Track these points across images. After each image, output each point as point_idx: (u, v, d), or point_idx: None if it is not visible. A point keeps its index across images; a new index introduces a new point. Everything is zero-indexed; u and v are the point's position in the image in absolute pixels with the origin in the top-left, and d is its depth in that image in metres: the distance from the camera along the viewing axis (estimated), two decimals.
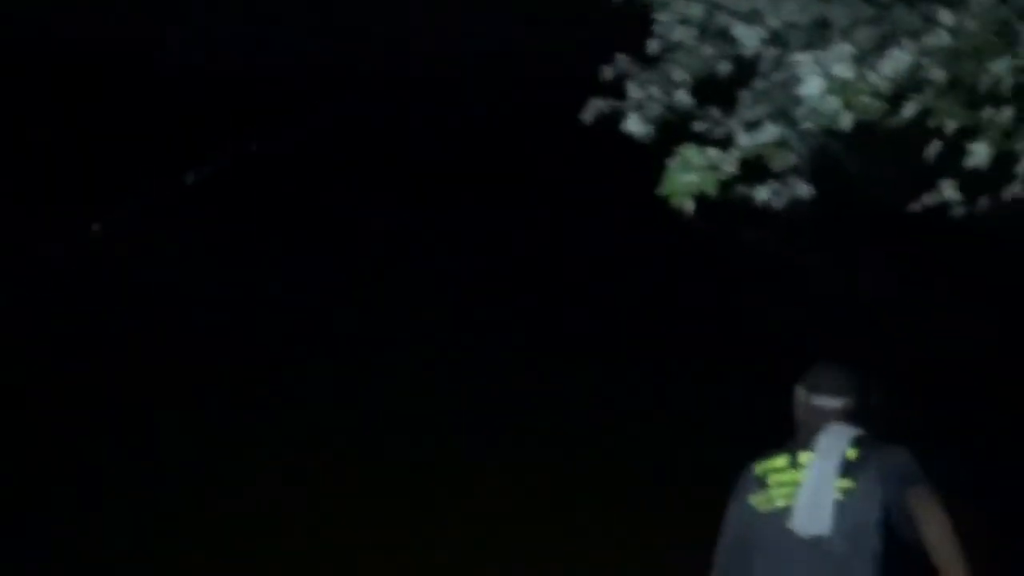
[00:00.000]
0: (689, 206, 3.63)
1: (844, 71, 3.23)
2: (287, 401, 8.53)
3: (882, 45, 3.42)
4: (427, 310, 9.93)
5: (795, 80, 3.40)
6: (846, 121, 3.31)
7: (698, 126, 3.76)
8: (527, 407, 8.91)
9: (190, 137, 10.92)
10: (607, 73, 4.00)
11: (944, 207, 3.57)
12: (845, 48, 3.25)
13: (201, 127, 10.93)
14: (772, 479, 3.98)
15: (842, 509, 3.83)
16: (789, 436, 4.11)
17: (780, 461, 4.00)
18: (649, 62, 3.98)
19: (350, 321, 9.90)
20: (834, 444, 3.92)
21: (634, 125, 3.68)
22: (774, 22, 3.74)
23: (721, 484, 4.27)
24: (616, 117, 3.86)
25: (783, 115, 3.54)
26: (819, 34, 3.62)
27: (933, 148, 3.40)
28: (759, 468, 4.04)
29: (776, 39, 3.76)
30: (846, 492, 3.85)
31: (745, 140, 3.39)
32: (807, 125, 3.38)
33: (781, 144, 3.48)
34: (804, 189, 3.78)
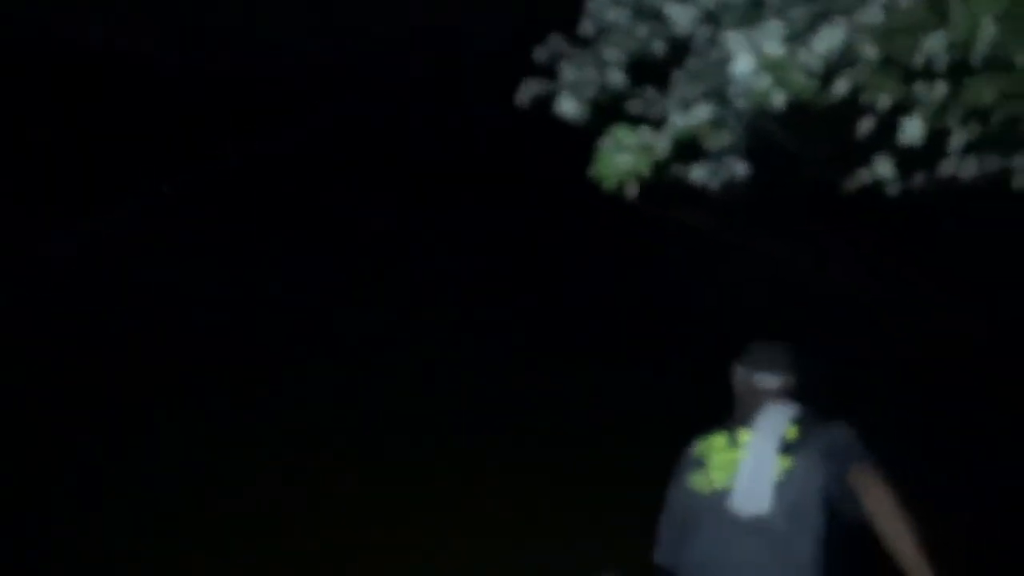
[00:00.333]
0: (632, 190, 3.60)
1: (775, 49, 3.21)
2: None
3: (815, 23, 3.40)
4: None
5: (728, 59, 3.38)
6: (778, 99, 3.28)
7: (633, 107, 3.72)
8: (489, 403, 8.93)
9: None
10: (541, 55, 3.96)
11: (879, 185, 3.55)
12: (776, 26, 3.22)
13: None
14: (711, 459, 3.98)
15: (782, 488, 3.83)
16: (728, 415, 4.11)
17: (719, 440, 4.00)
18: (583, 44, 3.95)
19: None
20: (773, 422, 3.92)
21: (567, 106, 3.63)
22: (708, 1, 3.71)
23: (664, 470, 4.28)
24: (551, 99, 3.82)
25: (717, 94, 3.51)
26: (752, 13, 3.60)
27: (866, 124, 3.39)
28: (698, 448, 4.04)
29: (710, 18, 3.73)
30: (786, 471, 3.84)
31: (679, 120, 3.36)
32: (740, 104, 3.35)
33: (716, 123, 3.45)
34: (740, 169, 3.75)
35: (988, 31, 3.20)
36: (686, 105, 3.55)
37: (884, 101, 3.33)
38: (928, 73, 3.36)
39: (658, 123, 3.50)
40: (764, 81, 3.22)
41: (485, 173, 11.15)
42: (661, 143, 3.28)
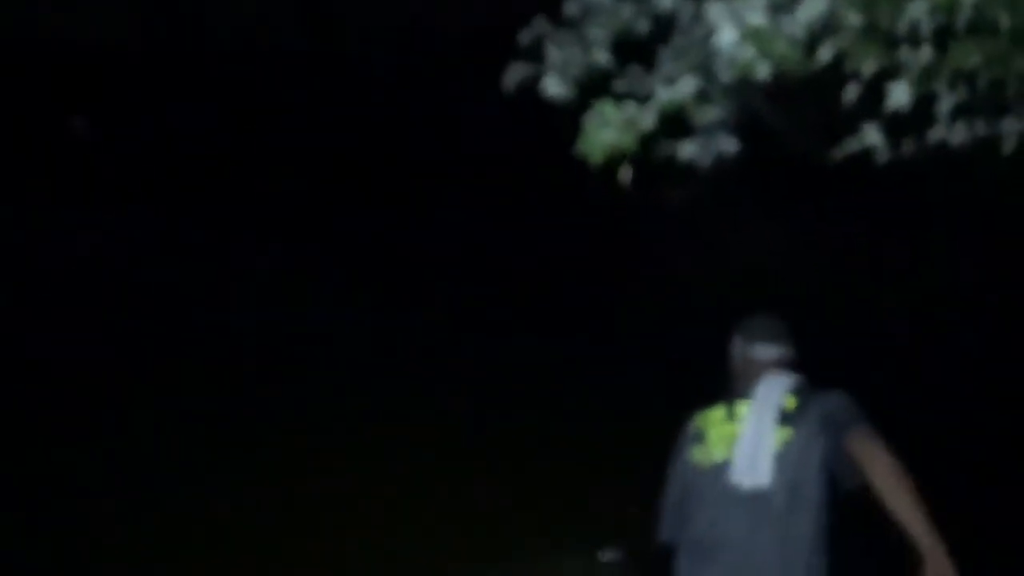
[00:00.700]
0: (626, 174, 3.59)
1: (758, 19, 3.19)
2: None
3: None
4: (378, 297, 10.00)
5: (712, 33, 3.37)
6: (763, 70, 3.27)
7: (619, 86, 3.71)
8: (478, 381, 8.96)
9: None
10: (525, 38, 3.94)
11: (869, 153, 3.54)
12: None
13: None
14: (711, 432, 3.95)
15: (782, 460, 3.80)
16: (726, 388, 4.08)
17: (718, 414, 3.97)
18: (568, 25, 3.93)
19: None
20: (771, 394, 3.88)
21: (553, 87, 3.62)
22: None
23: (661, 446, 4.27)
24: (537, 82, 3.81)
25: (702, 68, 3.50)
26: None
27: (851, 91, 3.37)
28: (698, 421, 4.01)
29: None
30: (785, 442, 3.81)
31: (663, 94, 3.34)
32: (725, 76, 3.33)
33: (701, 97, 3.44)
34: (729, 144, 3.74)
35: None
36: (671, 81, 3.54)
37: (869, 67, 3.32)
38: (913, 38, 3.34)
39: (644, 99, 3.49)
40: (748, 52, 3.21)
41: (468, 165, 11.24)
42: (646, 118, 3.26)
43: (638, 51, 3.86)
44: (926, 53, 3.34)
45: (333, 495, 7.22)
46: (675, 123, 3.56)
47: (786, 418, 3.83)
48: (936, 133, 3.57)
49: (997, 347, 9.22)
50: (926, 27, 3.37)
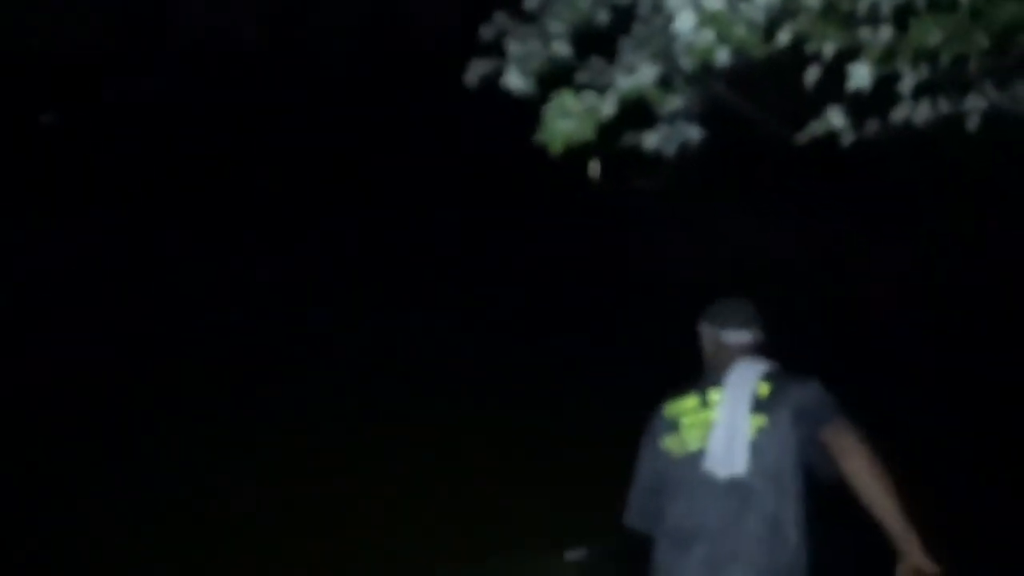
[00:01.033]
0: (594, 169, 3.57)
1: (716, 4, 3.17)
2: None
3: None
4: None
5: (672, 21, 3.34)
6: (723, 55, 3.25)
7: (581, 77, 3.68)
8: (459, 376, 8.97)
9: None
10: (487, 33, 3.91)
11: (833, 135, 3.52)
12: None
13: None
14: (684, 420, 3.91)
15: (757, 448, 3.77)
16: (697, 375, 4.05)
17: (690, 401, 3.93)
18: (528, 19, 3.90)
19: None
20: (744, 380, 3.85)
21: (514, 80, 3.59)
22: None
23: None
24: (499, 76, 3.78)
25: (663, 56, 3.48)
26: None
27: (812, 74, 3.35)
28: (669, 409, 3.97)
29: None
30: (760, 430, 3.78)
31: (623, 82, 3.31)
32: (685, 63, 3.31)
33: (663, 85, 3.42)
34: (694, 132, 3.72)
35: None
36: (632, 71, 3.51)
37: (829, 49, 3.30)
38: (873, 18, 3.32)
39: (605, 90, 3.47)
40: (707, 37, 3.19)
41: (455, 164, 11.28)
42: (606, 106, 3.23)
43: (599, 43, 3.84)
44: (886, 32, 3.32)
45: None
46: (638, 113, 3.54)
47: (760, 405, 3.80)
48: (899, 113, 3.56)
49: (971, 330, 9.27)
50: (886, 6, 3.35)
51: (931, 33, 3.31)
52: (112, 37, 11.05)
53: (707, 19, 3.13)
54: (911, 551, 3.49)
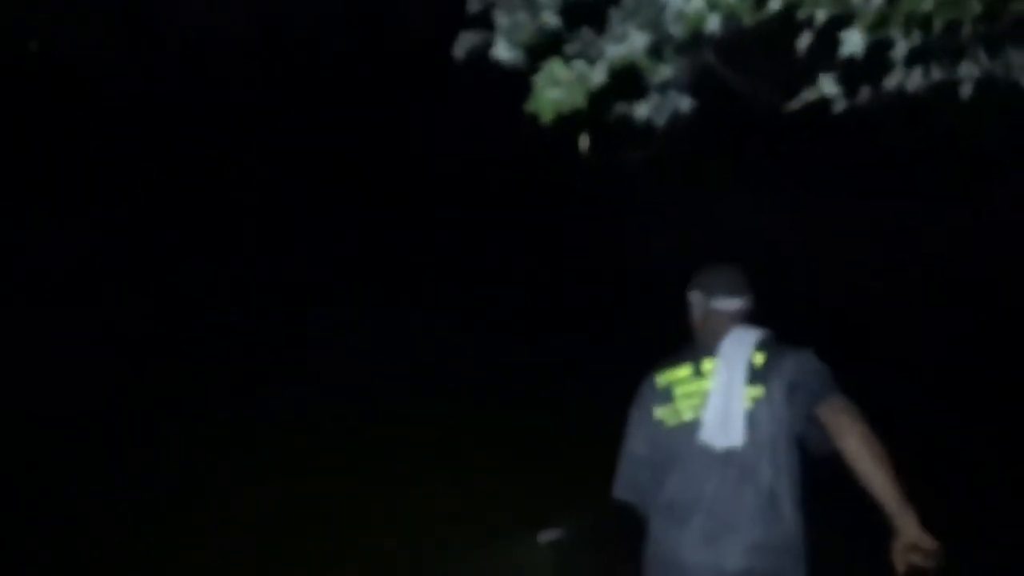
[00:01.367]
0: (584, 142, 3.53)
1: None
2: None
3: None
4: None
5: None
6: (713, 23, 3.21)
7: (570, 49, 3.65)
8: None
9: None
10: (474, 5, 3.87)
11: (825, 102, 3.48)
12: None
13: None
14: (677, 390, 3.87)
15: (753, 419, 3.74)
16: (686, 343, 4.01)
17: (683, 371, 3.89)
18: None
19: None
20: (739, 350, 3.81)
21: (503, 51, 3.54)
22: None
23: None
24: (487, 49, 3.74)
25: (653, 26, 3.44)
26: None
27: (804, 40, 3.31)
28: (661, 379, 3.92)
29: None
30: (755, 400, 3.75)
31: (614, 51, 3.28)
32: (676, 31, 3.27)
33: (653, 54, 3.38)
34: (685, 102, 3.68)
35: None
36: (622, 40, 3.48)
37: (821, 15, 3.26)
38: None
39: (595, 60, 3.43)
40: (697, 3, 3.15)
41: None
42: (596, 74, 3.20)
43: (588, 14, 3.81)
44: None
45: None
46: (628, 83, 3.51)
47: (755, 375, 3.77)
48: (892, 80, 3.54)
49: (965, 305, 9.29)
50: None
51: None
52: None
53: None
54: (908, 527, 3.46)
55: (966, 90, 3.60)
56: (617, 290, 10.06)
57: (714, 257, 4.16)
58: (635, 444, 3.96)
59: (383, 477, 7.47)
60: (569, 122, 3.46)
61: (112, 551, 6.39)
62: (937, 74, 3.55)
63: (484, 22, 3.88)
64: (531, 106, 3.08)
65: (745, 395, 3.74)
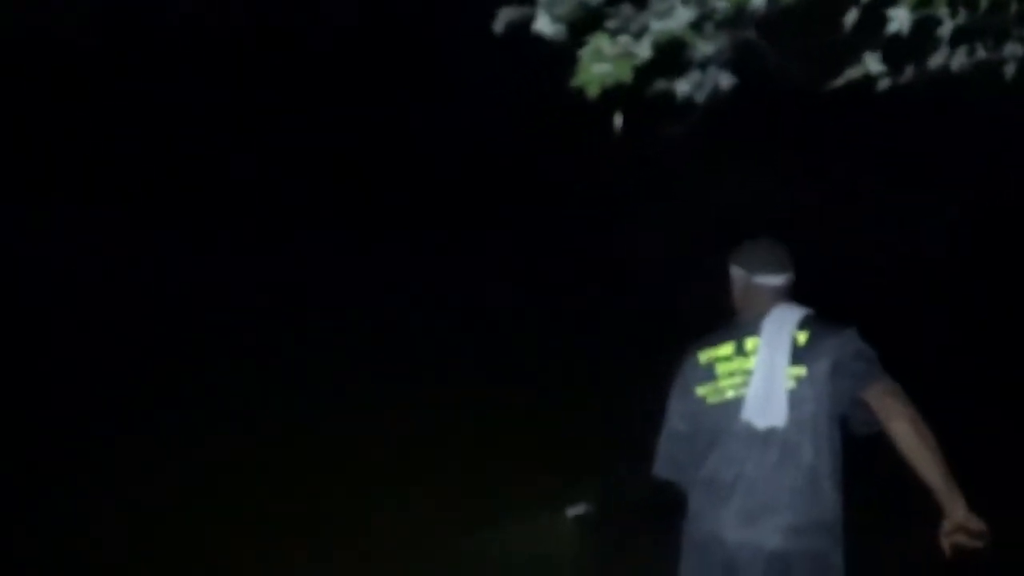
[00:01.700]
0: (618, 120, 3.52)
1: None
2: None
3: None
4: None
5: None
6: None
7: (611, 24, 3.63)
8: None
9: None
10: None
11: (869, 79, 3.46)
12: None
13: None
14: (719, 368, 3.86)
15: (796, 398, 3.73)
16: (728, 320, 4.00)
17: (725, 348, 3.87)
18: None
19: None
20: (782, 328, 3.79)
21: (544, 25, 3.52)
22: None
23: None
24: (527, 25, 3.73)
25: (697, 1, 3.42)
26: None
27: (850, 17, 3.29)
28: (703, 356, 3.91)
29: None
30: (798, 379, 3.74)
31: (658, 25, 3.26)
32: (720, 5, 3.26)
33: (696, 28, 3.36)
34: (725, 79, 3.66)
35: None
36: (664, 15, 3.46)
37: None
38: None
39: (638, 34, 3.42)
40: None
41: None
42: (642, 48, 3.18)
43: None
44: None
45: (355, 477, 7.26)
46: (670, 57, 3.49)
47: (798, 354, 3.76)
48: (937, 59, 3.51)
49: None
50: None
51: None
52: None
53: None
54: (957, 509, 3.50)
55: (1010, 70, 3.58)
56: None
57: (733, 239, 4.15)
58: (675, 421, 3.96)
59: (404, 455, 7.53)
60: (608, 98, 3.45)
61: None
62: (981, 53, 3.53)
63: None
64: (577, 81, 3.07)
65: (788, 374, 3.74)
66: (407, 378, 8.71)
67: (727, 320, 4.01)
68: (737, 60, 3.73)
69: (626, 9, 3.70)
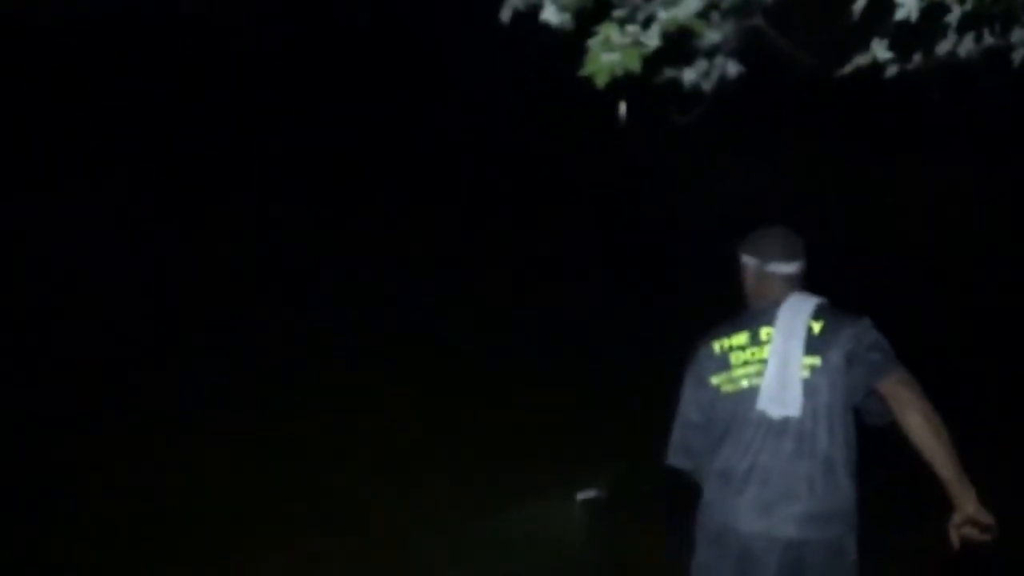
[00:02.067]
0: (622, 109, 3.52)
1: None
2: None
3: None
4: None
5: None
6: None
7: (618, 14, 3.62)
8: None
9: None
10: None
11: (877, 67, 3.46)
12: None
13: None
14: (733, 358, 3.85)
15: (810, 387, 3.73)
16: (741, 309, 4.00)
17: (740, 337, 3.86)
18: None
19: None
20: (796, 317, 3.79)
21: (551, 15, 3.52)
22: None
23: None
24: (533, 14, 3.72)
25: None
26: None
27: (859, 4, 3.28)
28: (718, 345, 3.90)
29: None
30: (812, 369, 3.73)
31: (665, 14, 3.25)
32: None
33: (702, 16, 3.35)
34: (732, 67, 3.66)
35: None
36: (671, 5, 3.45)
37: None
38: None
39: (646, 23, 3.41)
40: None
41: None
42: (651, 38, 3.17)
43: None
44: None
45: (365, 462, 7.27)
46: (673, 48, 3.48)
47: (812, 344, 3.75)
48: (944, 45, 3.51)
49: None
50: None
51: None
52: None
53: None
54: (967, 502, 3.51)
55: (1018, 56, 3.57)
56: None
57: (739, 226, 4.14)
58: (690, 410, 3.95)
59: (416, 440, 7.57)
60: (614, 87, 3.44)
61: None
62: (989, 40, 3.52)
63: None
64: (586, 70, 3.06)
65: (803, 364, 3.73)
66: (420, 364, 8.74)
67: (739, 309, 4.00)
68: (744, 48, 3.73)
69: None
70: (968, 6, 3.38)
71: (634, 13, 3.60)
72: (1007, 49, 3.56)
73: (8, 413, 7.53)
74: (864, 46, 3.43)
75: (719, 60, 3.62)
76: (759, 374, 3.79)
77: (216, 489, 6.93)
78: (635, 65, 3.05)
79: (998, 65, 3.58)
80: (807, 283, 3.96)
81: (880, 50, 3.41)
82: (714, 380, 3.88)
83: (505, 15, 3.77)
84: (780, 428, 3.75)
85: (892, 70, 3.46)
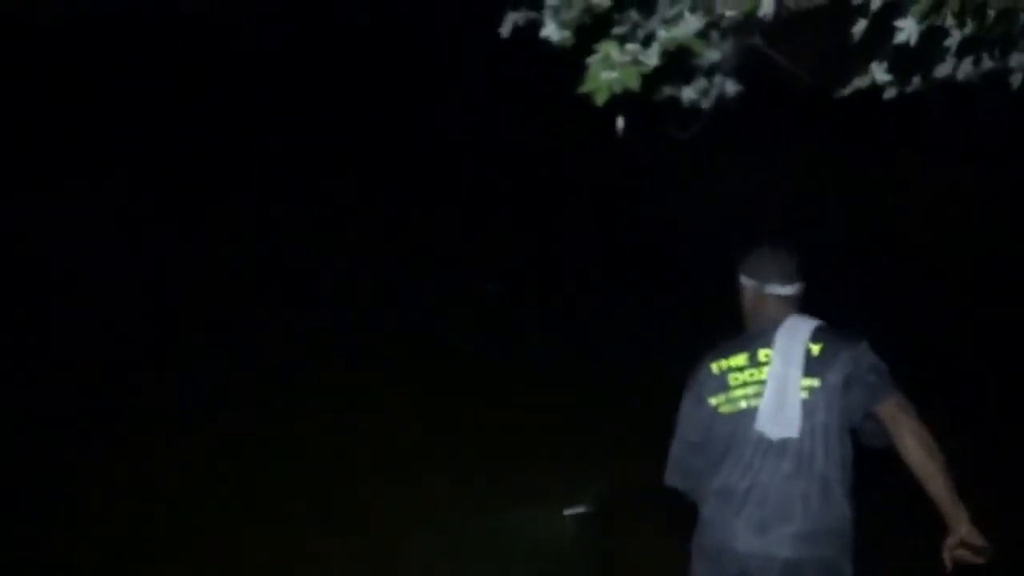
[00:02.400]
0: (620, 124, 3.52)
1: None
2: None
3: None
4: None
5: None
6: (767, 6, 3.20)
7: (618, 31, 3.63)
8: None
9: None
10: None
11: (875, 88, 3.46)
12: None
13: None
14: (732, 379, 3.87)
15: (808, 408, 3.75)
16: (738, 330, 4.00)
17: (739, 359, 3.88)
18: None
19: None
20: (795, 339, 3.81)
21: (551, 31, 3.53)
22: None
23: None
24: (534, 28, 3.72)
25: (703, 8, 3.42)
26: None
27: (858, 27, 3.29)
28: (716, 366, 3.92)
29: None
30: (811, 390, 3.75)
31: (666, 33, 3.26)
32: (728, 11, 3.26)
33: (702, 36, 3.36)
34: (731, 86, 3.67)
35: None
36: (671, 23, 3.46)
37: (876, 2, 3.24)
38: None
39: (646, 41, 3.42)
40: None
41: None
42: (650, 56, 3.18)
43: None
44: None
45: (352, 471, 7.26)
46: (672, 66, 3.49)
47: (811, 366, 3.77)
48: (943, 68, 3.51)
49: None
50: None
51: None
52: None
53: None
54: (960, 524, 3.56)
55: (1016, 79, 3.58)
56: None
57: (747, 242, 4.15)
58: (688, 431, 3.96)
59: (415, 441, 7.57)
60: (612, 103, 3.45)
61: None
62: (988, 63, 3.53)
63: (530, 2, 3.88)
64: (585, 88, 3.06)
65: (801, 385, 3.75)
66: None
67: (739, 330, 4.01)
68: (743, 67, 3.74)
69: (633, 15, 3.71)
70: (968, 30, 3.38)
71: (634, 31, 3.61)
72: (1006, 72, 3.57)
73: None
74: (863, 65, 3.44)
75: (718, 79, 3.63)
76: (758, 395, 3.81)
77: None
78: (634, 83, 3.05)
79: (997, 87, 3.59)
80: (805, 303, 3.97)
81: (879, 73, 3.41)
82: (713, 401, 3.90)
83: (505, 30, 3.78)
84: (779, 449, 3.77)
85: (891, 92, 3.47)
